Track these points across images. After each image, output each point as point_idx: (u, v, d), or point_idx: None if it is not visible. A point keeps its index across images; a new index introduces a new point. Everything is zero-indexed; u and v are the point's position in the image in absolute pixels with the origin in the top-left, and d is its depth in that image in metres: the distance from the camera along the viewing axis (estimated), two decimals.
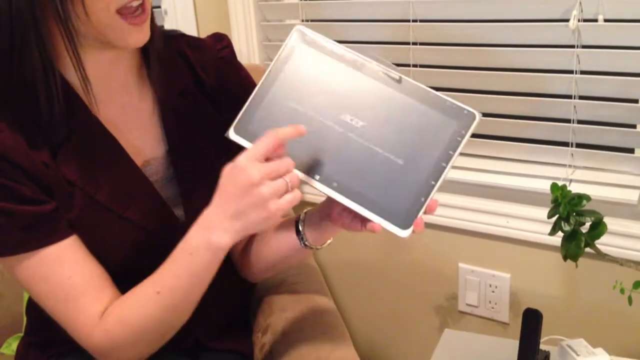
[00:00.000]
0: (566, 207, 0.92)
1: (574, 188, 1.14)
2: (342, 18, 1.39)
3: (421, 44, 1.30)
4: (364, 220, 0.79)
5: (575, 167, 1.23)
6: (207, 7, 1.53)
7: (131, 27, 0.80)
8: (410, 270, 1.47)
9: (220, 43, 1.01)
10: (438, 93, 0.79)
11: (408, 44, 1.31)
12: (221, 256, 0.80)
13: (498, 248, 1.32)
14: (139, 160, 0.91)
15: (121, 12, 0.78)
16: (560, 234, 0.95)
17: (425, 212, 0.77)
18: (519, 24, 1.19)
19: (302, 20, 1.43)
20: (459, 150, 0.77)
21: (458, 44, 1.28)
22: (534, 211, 1.25)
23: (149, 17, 0.84)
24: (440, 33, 1.29)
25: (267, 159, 0.76)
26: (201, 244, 0.79)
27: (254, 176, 0.74)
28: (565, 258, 0.96)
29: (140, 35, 0.82)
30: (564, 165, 1.23)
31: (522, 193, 1.27)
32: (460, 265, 1.39)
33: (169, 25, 1.53)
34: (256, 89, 0.85)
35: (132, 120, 0.92)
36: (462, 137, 0.77)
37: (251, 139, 0.82)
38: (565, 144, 1.21)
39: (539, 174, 1.25)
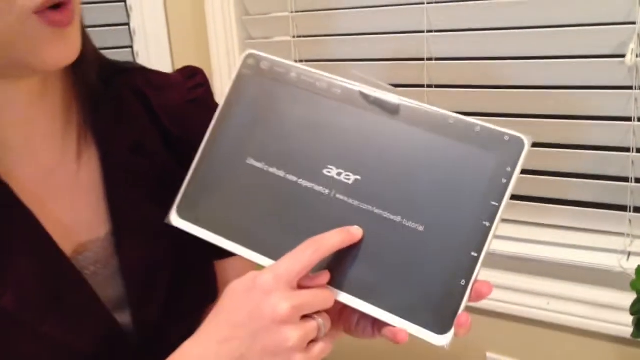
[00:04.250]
0: None
1: (633, 262, 1.03)
2: (343, 32, 1.25)
3: (437, 59, 1.16)
4: (377, 323, 0.58)
5: (635, 236, 1.09)
6: (182, 23, 1.42)
7: (50, 32, 0.58)
8: None
9: (192, 80, 0.81)
10: (461, 116, 0.58)
11: (422, 59, 1.17)
12: None
13: (536, 335, 1.20)
14: (68, 246, 0.67)
15: (38, 11, 0.57)
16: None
17: (470, 300, 0.55)
18: (564, 61, 1.06)
19: (294, 37, 1.30)
20: (506, 197, 0.55)
21: (493, 86, 1.13)
22: (582, 290, 1.13)
23: (78, 22, 0.62)
24: (460, 72, 1.14)
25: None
26: None
27: (282, 309, 0.53)
28: None
29: (64, 47, 0.60)
30: (620, 234, 1.10)
31: (568, 268, 1.14)
32: (489, 355, 1.27)
33: (138, 46, 1.44)
34: (201, 147, 0.65)
35: (62, 187, 0.69)
36: (509, 177, 0.55)
37: (203, 223, 0.62)
38: (622, 207, 1.09)
39: (588, 245, 1.12)
